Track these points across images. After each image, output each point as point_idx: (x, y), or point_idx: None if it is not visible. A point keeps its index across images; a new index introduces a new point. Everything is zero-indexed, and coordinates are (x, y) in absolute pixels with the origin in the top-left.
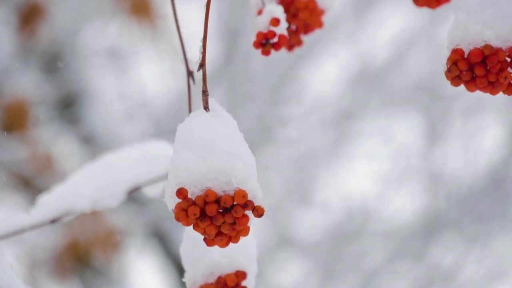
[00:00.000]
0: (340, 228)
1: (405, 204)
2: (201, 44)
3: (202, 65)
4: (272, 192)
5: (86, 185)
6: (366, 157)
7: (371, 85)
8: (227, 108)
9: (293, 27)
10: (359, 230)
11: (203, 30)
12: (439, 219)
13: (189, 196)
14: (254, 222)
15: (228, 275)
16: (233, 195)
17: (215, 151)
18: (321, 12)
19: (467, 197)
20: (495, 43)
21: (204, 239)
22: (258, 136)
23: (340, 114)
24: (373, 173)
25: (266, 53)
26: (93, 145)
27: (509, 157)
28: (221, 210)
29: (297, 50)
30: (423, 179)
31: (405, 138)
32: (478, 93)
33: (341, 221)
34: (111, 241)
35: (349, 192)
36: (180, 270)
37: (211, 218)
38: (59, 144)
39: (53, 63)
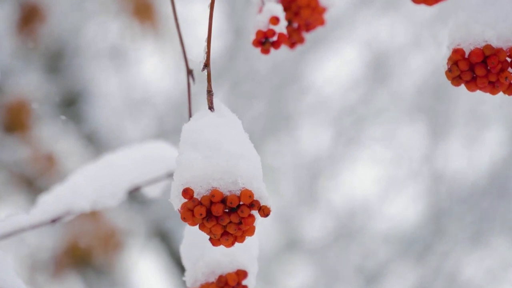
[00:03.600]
0: (343, 229)
1: (408, 205)
2: (205, 44)
3: (206, 65)
4: (276, 192)
5: (86, 185)
6: (369, 158)
7: (375, 86)
8: (230, 107)
9: (295, 25)
10: (362, 231)
11: (207, 30)
12: (442, 219)
13: (195, 196)
14: (259, 222)
15: (229, 274)
16: (239, 195)
17: (220, 152)
18: (323, 9)
19: (469, 197)
20: (496, 43)
21: (210, 239)
22: (260, 136)
23: (343, 115)
24: (376, 174)
25: (265, 51)
26: (95, 144)
27: (511, 157)
28: (227, 210)
29: (300, 49)
30: (426, 179)
31: (408, 139)
32: (480, 94)
33: (344, 223)
34: (113, 241)
35: (352, 193)
36: (182, 270)
37: (217, 218)
38: (61, 143)
39: (55, 62)
